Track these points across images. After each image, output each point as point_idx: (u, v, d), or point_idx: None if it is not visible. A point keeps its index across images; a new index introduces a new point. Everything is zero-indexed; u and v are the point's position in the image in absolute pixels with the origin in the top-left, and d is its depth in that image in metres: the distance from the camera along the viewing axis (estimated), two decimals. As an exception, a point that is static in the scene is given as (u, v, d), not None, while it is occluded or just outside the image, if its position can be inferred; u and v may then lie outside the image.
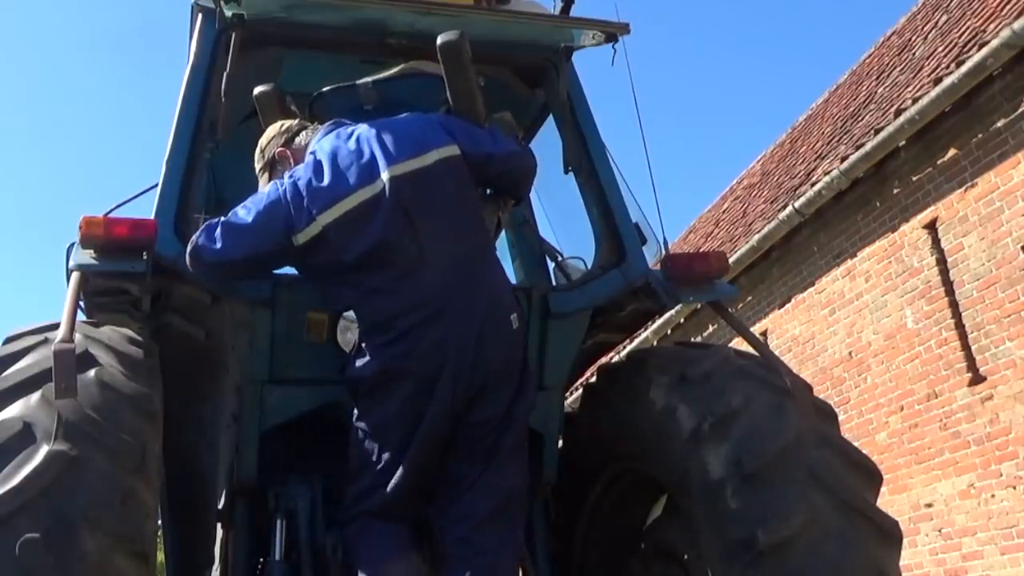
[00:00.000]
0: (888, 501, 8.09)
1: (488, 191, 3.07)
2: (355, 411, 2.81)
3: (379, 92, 3.02)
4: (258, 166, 3.08)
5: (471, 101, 2.92)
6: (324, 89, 3.10)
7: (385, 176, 2.72)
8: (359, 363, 2.74)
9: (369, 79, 3.08)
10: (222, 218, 2.78)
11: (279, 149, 3.00)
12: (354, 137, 2.83)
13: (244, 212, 2.78)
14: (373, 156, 2.76)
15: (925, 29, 10.53)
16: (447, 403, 2.67)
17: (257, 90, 3.16)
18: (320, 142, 2.89)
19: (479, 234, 2.86)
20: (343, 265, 2.72)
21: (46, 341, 2.54)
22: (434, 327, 2.65)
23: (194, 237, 2.78)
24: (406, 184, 2.72)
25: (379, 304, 2.69)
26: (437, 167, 2.77)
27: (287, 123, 3.08)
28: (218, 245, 2.73)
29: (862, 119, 10.09)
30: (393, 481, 2.70)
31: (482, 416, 2.73)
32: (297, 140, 3.01)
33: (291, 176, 2.79)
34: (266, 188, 2.86)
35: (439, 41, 2.83)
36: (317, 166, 2.77)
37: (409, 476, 2.70)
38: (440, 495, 2.79)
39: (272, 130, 3.08)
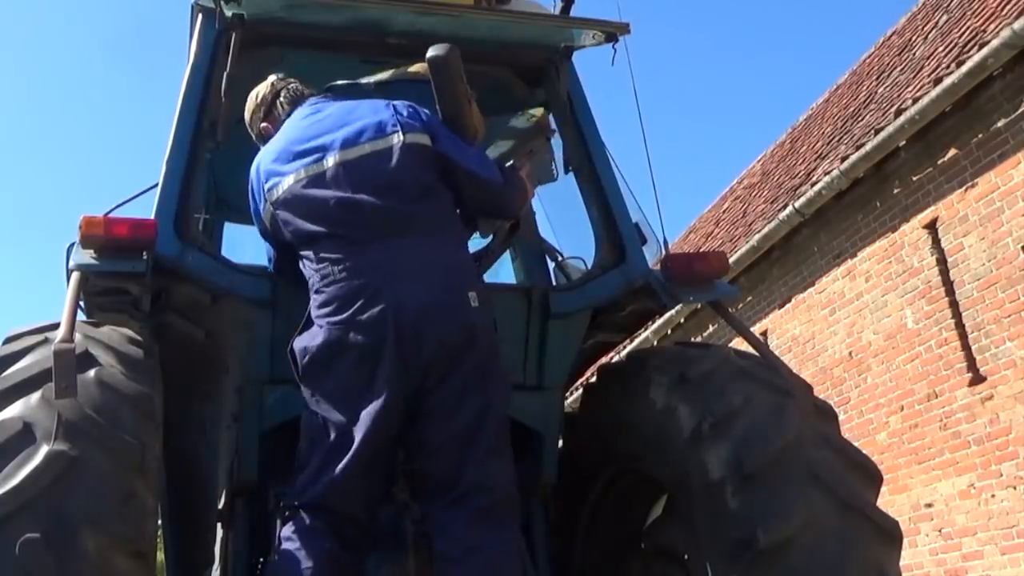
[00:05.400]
0: (888, 501, 8.09)
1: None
2: (303, 392, 2.70)
3: (381, 93, 3.01)
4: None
5: (458, 118, 2.85)
6: (331, 84, 3.10)
7: (333, 159, 2.74)
8: (303, 338, 2.67)
9: (373, 79, 3.08)
10: None
11: (262, 125, 3.07)
12: (319, 116, 2.87)
13: None
14: (328, 136, 2.79)
15: (925, 29, 10.53)
16: (393, 381, 2.56)
17: None
18: (288, 120, 2.95)
19: (433, 212, 2.75)
20: (300, 240, 2.75)
21: (46, 341, 2.53)
22: (375, 299, 2.57)
23: None
24: (353, 165, 2.72)
25: (327, 274, 2.65)
26: (394, 151, 2.73)
27: (261, 91, 3.07)
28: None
29: (862, 119, 10.09)
30: (339, 468, 2.57)
31: (433, 402, 2.61)
32: (275, 111, 3.03)
33: (256, 161, 2.92)
34: None
35: (428, 54, 2.78)
36: (273, 146, 2.88)
37: (355, 463, 2.56)
38: (423, 496, 2.72)
39: (250, 102, 3.09)
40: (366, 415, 2.57)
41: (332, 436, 2.60)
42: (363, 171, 2.71)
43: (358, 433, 2.57)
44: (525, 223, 3.19)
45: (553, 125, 3.59)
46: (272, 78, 3.09)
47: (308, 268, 2.72)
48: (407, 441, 2.68)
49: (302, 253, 2.75)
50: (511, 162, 3.04)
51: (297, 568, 2.54)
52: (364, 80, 3.08)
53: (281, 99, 3.03)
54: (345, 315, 2.59)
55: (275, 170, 2.81)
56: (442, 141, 2.81)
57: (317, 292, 2.67)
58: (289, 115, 2.98)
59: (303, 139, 2.82)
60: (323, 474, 2.60)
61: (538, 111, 3.12)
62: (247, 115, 3.10)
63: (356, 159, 2.73)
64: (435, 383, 2.60)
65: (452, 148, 2.81)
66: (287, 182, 2.76)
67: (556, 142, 3.60)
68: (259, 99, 3.07)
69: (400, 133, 2.76)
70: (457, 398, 2.62)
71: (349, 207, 2.67)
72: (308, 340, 2.65)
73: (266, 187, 2.82)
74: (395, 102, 2.86)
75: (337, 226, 2.68)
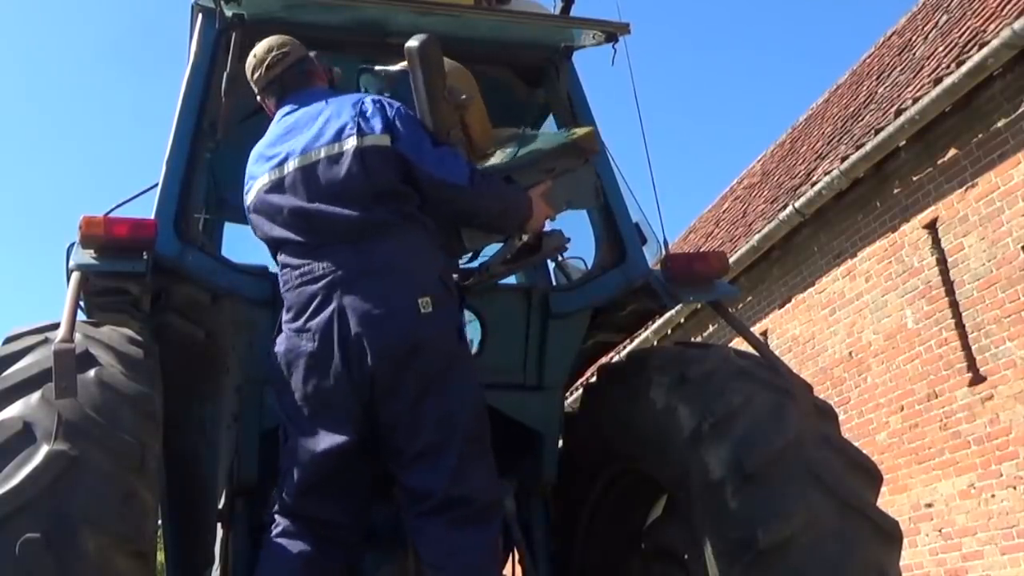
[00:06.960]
0: (888, 501, 8.09)
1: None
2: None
3: (392, 82, 3.00)
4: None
5: (431, 112, 2.76)
6: (363, 66, 3.08)
7: (293, 163, 2.75)
8: (276, 343, 2.69)
9: (395, 68, 2.98)
10: None
11: (259, 96, 3.05)
12: (293, 117, 2.87)
13: None
14: (293, 139, 2.79)
15: (925, 29, 10.53)
16: (344, 391, 2.56)
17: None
18: (276, 114, 2.95)
19: (391, 215, 2.68)
20: (268, 244, 2.81)
21: (46, 341, 2.54)
22: (324, 306, 2.59)
23: None
24: (308, 171, 2.72)
25: (287, 280, 2.69)
26: (348, 156, 2.69)
27: (267, 59, 2.96)
28: None
29: (862, 119, 10.09)
30: (303, 477, 2.60)
31: (392, 412, 2.58)
32: (270, 91, 2.98)
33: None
34: None
35: (406, 45, 2.73)
36: (257, 147, 2.91)
37: (317, 472, 2.59)
38: (402, 503, 2.71)
39: (251, 62, 2.99)
40: (323, 424, 2.60)
41: (295, 443, 2.64)
42: (317, 177, 2.71)
43: (318, 442, 2.60)
44: (548, 248, 3.01)
45: (599, 148, 3.26)
46: (284, 48, 2.95)
47: (278, 272, 2.77)
48: (382, 450, 2.65)
49: (275, 256, 2.79)
50: (508, 176, 2.92)
51: (274, 573, 2.58)
52: (394, 67, 2.99)
53: (281, 83, 2.95)
54: (299, 322, 2.63)
55: (252, 173, 2.86)
56: (401, 140, 2.73)
57: (283, 297, 2.71)
58: (281, 103, 2.94)
59: (275, 141, 2.85)
60: (291, 482, 2.63)
61: (583, 130, 2.98)
62: (248, 71, 3.02)
63: (311, 164, 2.73)
64: (384, 393, 2.56)
65: (409, 147, 2.72)
66: (257, 186, 2.81)
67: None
68: (263, 67, 2.96)
69: (356, 136, 2.71)
70: (414, 410, 2.57)
71: (302, 215, 2.69)
72: (276, 346, 2.69)
73: (244, 189, 2.87)
74: (365, 99, 2.82)
75: (294, 233, 2.71)
